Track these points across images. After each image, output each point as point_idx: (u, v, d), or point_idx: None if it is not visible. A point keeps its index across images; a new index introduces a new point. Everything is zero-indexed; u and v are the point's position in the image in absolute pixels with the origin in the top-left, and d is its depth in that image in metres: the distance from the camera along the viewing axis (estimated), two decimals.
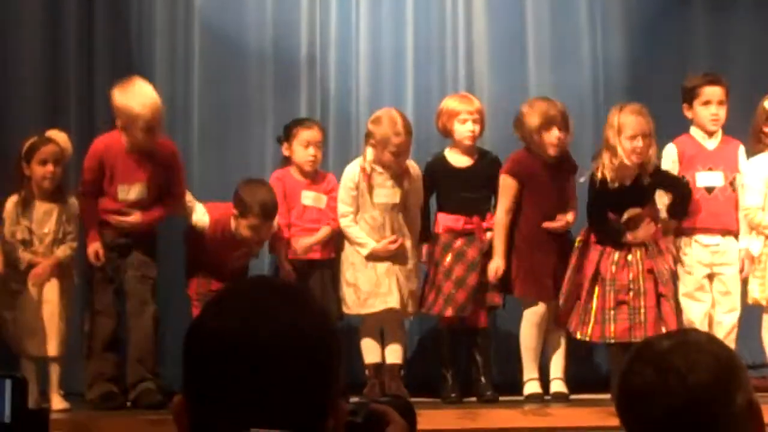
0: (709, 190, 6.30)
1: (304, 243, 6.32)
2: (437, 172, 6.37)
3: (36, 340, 6.00)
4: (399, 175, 6.25)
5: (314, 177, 6.44)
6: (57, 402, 6.02)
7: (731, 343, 5.87)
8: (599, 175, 6.10)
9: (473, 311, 6.26)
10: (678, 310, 6.19)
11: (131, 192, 6.14)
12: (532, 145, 6.27)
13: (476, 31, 7.12)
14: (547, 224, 6.24)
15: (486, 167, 6.38)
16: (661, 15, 7.16)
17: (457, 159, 6.40)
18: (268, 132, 6.78)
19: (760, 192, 6.25)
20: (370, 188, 6.23)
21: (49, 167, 6.04)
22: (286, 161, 6.46)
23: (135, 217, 6.13)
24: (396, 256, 6.23)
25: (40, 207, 6.09)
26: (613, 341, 6.03)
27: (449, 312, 6.21)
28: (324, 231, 6.36)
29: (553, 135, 6.21)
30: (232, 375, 1.58)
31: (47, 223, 6.09)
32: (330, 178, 6.47)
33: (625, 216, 6.10)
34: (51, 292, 6.04)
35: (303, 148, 6.36)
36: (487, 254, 6.26)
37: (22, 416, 3.66)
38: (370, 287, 6.18)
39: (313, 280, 6.27)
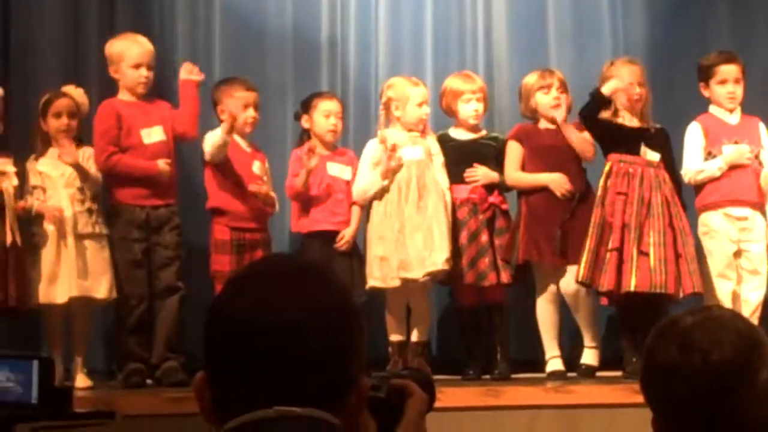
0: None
1: (346, 234, 6.30)
2: (442, 146, 6.38)
3: (60, 286, 6.01)
4: (421, 134, 6.28)
5: (335, 149, 6.45)
6: (81, 380, 6.06)
7: (756, 320, 5.85)
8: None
9: (490, 288, 6.25)
10: (708, 286, 6.16)
11: (153, 134, 6.21)
12: (532, 113, 6.34)
13: (496, 10, 7.11)
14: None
15: (491, 141, 6.42)
16: None
17: (462, 135, 6.43)
18: (288, 113, 6.78)
19: None
20: (392, 150, 6.22)
21: (64, 119, 6.12)
22: (305, 136, 6.44)
23: (166, 167, 6.16)
24: (423, 218, 6.19)
25: (54, 152, 6.14)
26: (632, 290, 5.98)
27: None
28: (356, 212, 6.37)
29: (552, 95, 6.28)
30: (252, 354, 1.58)
31: (62, 165, 6.12)
32: (350, 154, 6.49)
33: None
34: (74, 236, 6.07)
35: (324, 118, 6.37)
36: (491, 225, 6.25)
37: (48, 396, 3.69)
38: (404, 255, 6.13)
39: (340, 257, 6.26)
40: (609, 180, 6.13)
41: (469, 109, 6.37)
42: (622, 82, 6.15)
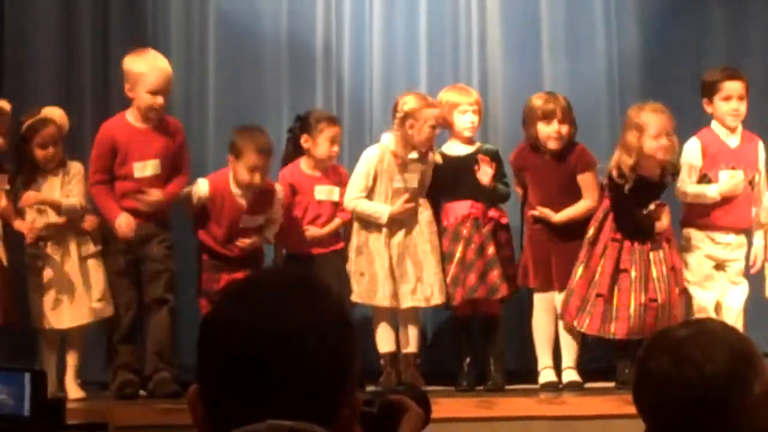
0: None
1: (316, 233, 6.31)
2: (439, 166, 6.37)
3: (66, 311, 6.03)
4: (421, 158, 6.27)
5: (327, 170, 6.41)
6: (74, 391, 6.05)
7: (740, 325, 5.85)
8: (619, 172, 6.06)
9: (486, 300, 6.26)
10: (687, 297, 6.17)
11: (147, 168, 6.13)
12: (532, 139, 6.28)
13: (490, 20, 7.10)
14: (537, 212, 6.24)
15: (486, 155, 6.39)
16: (677, 6, 7.11)
17: (457, 149, 6.41)
18: (283, 122, 6.77)
19: None
20: (400, 169, 6.22)
21: (50, 150, 6.08)
22: (296, 154, 6.40)
23: (156, 195, 6.12)
24: (411, 243, 6.22)
25: (43, 181, 6.12)
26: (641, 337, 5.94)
27: (459, 294, 6.21)
28: (336, 222, 6.36)
29: (553, 129, 6.22)
30: (245, 366, 1.58)
31: (53, 192, 6.11)
32: (341, 171, 6.44)
33: (652, 207, 6.07)
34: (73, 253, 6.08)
35: (329, 144, 6.30)
36: (494, 238, 6.26)
37: (40, 408, 3.68)
38: (384, 276, 6.18)
39: (328, 270, 6.26)
40: (605, 222, 6.11)
41: (466, 121, 6.36)
42: (647, 129, 6.05)
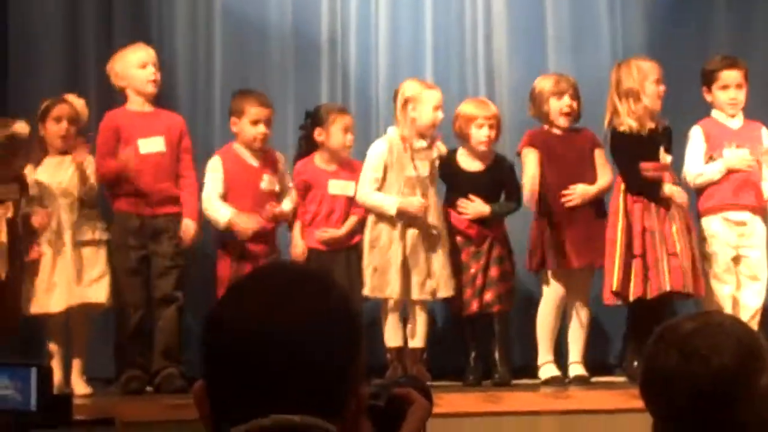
0: None
1: (330, 234, 6.30)
2: (448, 171, 6.39)
3: (57, 295, 6.01)
4: (429, 146, 6.28)
5: (343, 164, 6.40)
6: (80, 387, 6.06)
7: (755, 326, 5.85)
8: (624, 128, 6.10)
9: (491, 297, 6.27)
10: (707, 289, 6.17)
11: (150, 144, 6.16)
12: (544, 117, 6.32)
13: (496, 14, 7.10)
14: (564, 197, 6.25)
15: (498, 173, 6.40)
16: (681, 0, 7.11)
17: (469, 163, 6.41)
18: (289, 114, 6.78)
19: None
20: (409, 158, 6.23)
21: (63, 124, 6.11)
22: (310, 148, 6.42)
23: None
24: (422, 239, 6.22)
25: (52, 160, 6.12)
26: (668, 290, 5.98)
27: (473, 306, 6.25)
28: (352, 221, 6.35)
29: (564, 103, 6.28)
30: (251, 362, 1.57)
31: (59, 174, 6.11)
32: (356, 166, 6.41)
33: (651, 168, 6.11)
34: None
35: (342, 134, 6.32)
36: (489, 253, 6.27)
37: (47, 403, 3.68)
38: (396, 269, 6.16)
39: (339, 265, 6.26)
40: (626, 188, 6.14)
41: (482, 134, 6.34)
42: (648, 76, 6.12)
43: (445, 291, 6.25)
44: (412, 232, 6.22)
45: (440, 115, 6.28)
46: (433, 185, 6.33)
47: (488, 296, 6.25)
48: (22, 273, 6.02)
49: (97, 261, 6.11)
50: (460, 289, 6.26)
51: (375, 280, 6.22)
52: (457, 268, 6.27)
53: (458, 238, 6.32)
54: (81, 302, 6.04)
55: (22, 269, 6.02)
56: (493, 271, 6.27)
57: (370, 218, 6.29)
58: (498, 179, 6.40)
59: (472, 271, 6.26)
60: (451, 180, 6.40)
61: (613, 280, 6.06)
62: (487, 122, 6.35)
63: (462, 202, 6.33)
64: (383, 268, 6.21)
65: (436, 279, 6.23)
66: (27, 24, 6.86)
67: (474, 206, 6.32)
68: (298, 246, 6.33)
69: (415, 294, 6.22)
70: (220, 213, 6.18)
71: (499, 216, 6.37)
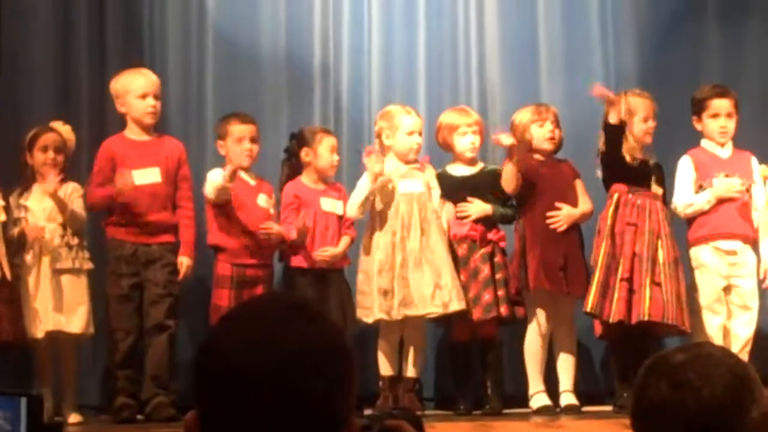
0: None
1: (330, 253, 6.29)
2: (441, 182, 6.39)
3: (37, 321, 6.00)
4: (419, 168, 6.29)
5: (329, 183, 6.44)
6: (71, 416, 6.03)
7: (746, 356, 5.85)
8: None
9: (483, 323, 6.24)
10: (697, 320, 6.17)
11: (147, 175, 6.17)
12: (527, 145, 6.33)
13: (488, 40, 7.13)
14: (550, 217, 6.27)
15: (489, 176, 6.41)
16: (673, 25, 7.15)
17: (460, 169, 6.45)
18: (281, 139, 6.77)
19: None
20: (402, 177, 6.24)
21: (50, 153, 6.12)
22: (293, 172, 6.42)
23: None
24: (423, 252, 6.18)
25: (39, 188, 6.12)
26: (646, 318, 5.98)
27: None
28: (345, 241, 6.35)
29: (547, 129, 6.34)
30: (242, 394, 1.57)
31: (45, 201, 6.11)
32: (342, 189, 6.46)
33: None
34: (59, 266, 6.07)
35: (329, 153, 6.37)
36: (490, 261, 6.25)
37: None
38: (406, 291, 6.12)
39: (333, 289, 6.25)
40: (618, 210, 6.14)
41: (466, 142, 6.38)
42: (636, 113, 6.17)
43: (458, 304, 6.15)
44: (414, 245, 6.16)
45: (416, 139, 6.29)
46: (430, 201, 6.30)
47: (485, 300, 6.19)
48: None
49: (75, 290, 6.09)
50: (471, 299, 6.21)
51: (367, 302, 6.19)
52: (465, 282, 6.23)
53: (462, 247, 6.28)
54: (57, 329, 6.03)
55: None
56: (487, 276, 6.22)
57: (364, 241, 6.27)
58: (491, 182, 6.38)
59: (484, 274, 6.22)
60: (447, 189, 6.37)
61: (589, 299, 6.06)
62: (469, 129, 6.38)
63: (462, 206, 6.33)
64: (377, 290, 6.15)
65: (447, 291, 6.14)
66: (18, 45, 6.85)
67: (475, 206, 6.32)
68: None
69: (425, 308, 6.11)
70: (214, 180, 6.18)
71: (499, 217, 6.37)
